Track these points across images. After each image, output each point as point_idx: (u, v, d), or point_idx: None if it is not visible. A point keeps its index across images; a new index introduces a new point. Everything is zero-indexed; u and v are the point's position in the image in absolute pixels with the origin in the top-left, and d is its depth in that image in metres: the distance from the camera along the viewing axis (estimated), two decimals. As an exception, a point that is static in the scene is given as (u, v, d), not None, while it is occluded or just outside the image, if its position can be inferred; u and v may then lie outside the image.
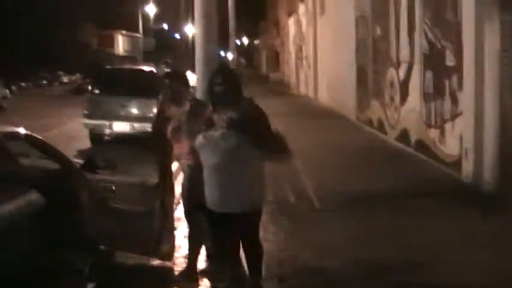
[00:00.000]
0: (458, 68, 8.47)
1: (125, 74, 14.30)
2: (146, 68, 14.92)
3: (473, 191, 7.76)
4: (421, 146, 10.27)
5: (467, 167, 8.16)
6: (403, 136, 11.33)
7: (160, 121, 5.41)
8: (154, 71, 14.43)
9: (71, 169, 5.66)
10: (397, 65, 11.68)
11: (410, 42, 10.80)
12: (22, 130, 5.51)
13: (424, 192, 7.85)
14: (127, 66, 15.85)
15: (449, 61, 8.84)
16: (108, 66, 15.46)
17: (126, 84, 13.16)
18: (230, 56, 34.67)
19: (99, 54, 60.61)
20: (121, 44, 69.63)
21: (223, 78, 4.46)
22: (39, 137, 5.59)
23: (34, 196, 4.90)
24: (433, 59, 9.62)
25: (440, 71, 9.22)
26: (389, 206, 7.24)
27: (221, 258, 4.80)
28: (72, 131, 15.71)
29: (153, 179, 5.53)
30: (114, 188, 5.63)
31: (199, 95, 7.44)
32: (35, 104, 30.93)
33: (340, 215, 7.02)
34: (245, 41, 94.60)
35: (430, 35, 9.68)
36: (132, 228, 5.50)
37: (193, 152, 5.03)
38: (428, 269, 5.17)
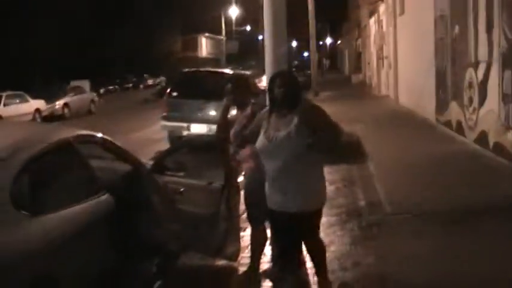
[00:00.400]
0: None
1: (203, 77, 14.60)
2: (224, 71, 15.17)
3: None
4: (499, 148, 9.95)
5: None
6: (482, 139, 11.01)
7: (224, 125, 5.53)
8: (230, 72, 14.65)
9: (141, 171, 5.87)
10: (476, 65, 11.36)
11: (488, 41, 10.48)
12: (94, 133, 5.77)
13: (503, 203, 7.42)
14: (205, 69, 16.15)
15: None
16: (186, 69, 15.78)
17: (204, 87, 13.44)
18: (312, 56, 34.58)
19: (183, 57, 61.95)
20: (204, 47, 70.93)
21: (283, 81, 4.52)
22: (112, 140, 5.82)
23: (105, 198, 5.11)
24: (511, 58, 9.30)
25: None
26: (461, 217, 6.94)
27: (283, 260, 4.89)
28: (153, 133, 16.21)
29: (219, 181, 5.67)
30: (182, 190, 5.79)
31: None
32: (121, 106, 32.03)
33: (412, 223, 6.88)
34: (328, 41, 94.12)
35: (508, 33, 9.37)
36: (198, 230, 5.65)
37: (255, 155, 5.13)
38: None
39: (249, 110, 5.27)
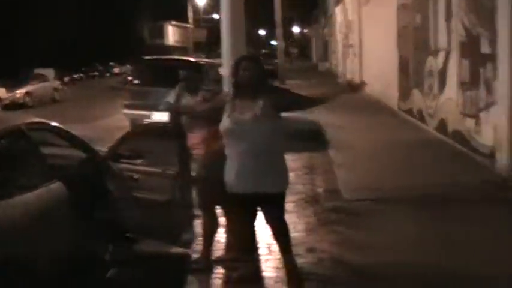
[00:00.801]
0: (493, 56, 8.28)
1: (165, 65, 14.45)
2: (186, 59, 15.05)
3: (506, 185, 7.48)
4: (458, 136, 10.08)
5: (501, 159, 7.98)
6: (441, 126, 11.14)
7: (176, 112, 5.50)
8: (193, 60, 14.54)
9: (96, 158, 5.81)
10: (436, 53, 11.48)
11: (447, 29, 10.59)
12: (47, 121, 5.69)
13: (454, 186, 7.56)
14: (167, 57, 16.01)
15: (485, 49, 8.64)
16: (148, 57, 15.62)
17: (166, 75, 13.27)
18: (278, 45, 34.56)
19: (150, 46, 61.36)
20: (171, 35, 70.25)
21: (248, 64, 4.57)
22: (65, 128, 5.75)
23: (57, 186, 5.04)
24: (469, 47, 9.42)
25: (476, 59, 9.03)
26: (417, 201, 7.04)
27: (241, 243, 4.91)
28: (117, 121, 16.02)
29: (174, 168, 5.64)
30: (136, 177, 5.75)
31: (226, 87, 7.55)
32: (86, 95, 31.64)
33: (368, 208, 6.93)
34: (297, 30, 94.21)
35: (466, 22, 9.48)
36: (153, 217, 5.61)
37: (208, 141, 5.12)
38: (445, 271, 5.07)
39: (200, 96, 5.27)
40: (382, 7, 18.20)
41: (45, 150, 5.83)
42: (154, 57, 15.68)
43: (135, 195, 5.72)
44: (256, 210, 4.77)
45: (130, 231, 5.78)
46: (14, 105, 25.20)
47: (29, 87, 26.95)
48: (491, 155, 8.36)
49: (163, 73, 13.45)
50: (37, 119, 5.73)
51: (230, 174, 4.58)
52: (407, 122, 13.91)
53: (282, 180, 4.67)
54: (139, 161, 6.02)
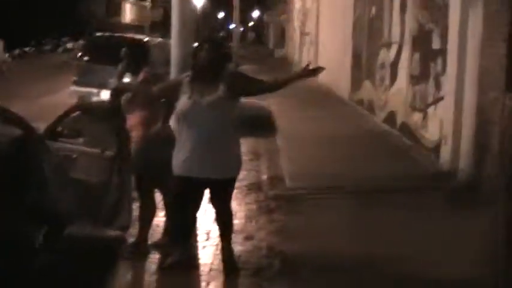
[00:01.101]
0: (443, 52, 8.31)
1: (116, 42, 14.13)
2: (137, 37, 14.77)
3: (449, 179, 7.53)
4: (405, 129, 10.14)
5: (445, 154, 8.04)
6: (390, 118, 11.20)
7: (118, 91, 5.33)
8: (145, 39, 14.27)
9: (31, 136, 5.58)
10: (388, 46, 11.51)
11: (401, 22, 10.62)
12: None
13: (399, 180, 7.57)
14: (118, 34, 15.68)
15: (435, 44, 8.68)
16: (98, 34, 15.28)
17: (116, 53, 12.98)
18: (235, 28, 34.31)
19: (106, 22, 60.30)
20: (128, 12, 69.22)
21: (210, 47, 4.47)
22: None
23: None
24: (420, 41, 9.46)
25: (427, 53, 9.07)
26: (360, 193, 7.05)
27: (182, 228, 4.82)
28: (64, 98, 15.63)
29: (112, 149, 5.47)
30: (74, 157, 5.57)
31: (174, 69, 7.40)
32: (35, 69, 30.82)
33: (309, 197, 6.91)
34: (256, 14, 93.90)
35: (419, 16, 9.51)
36: (89, 199, 5.44)
37: (145, 124, 4.99)
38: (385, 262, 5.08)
39: (141, 76, 5.13)
40: (339, -4, 18.20)
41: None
42: (105, 34, 15.35)
43: (71, 176, 5.54)
44: (202, 196, 4.70)
45: (64, 213, 5.61)
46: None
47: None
48: (436, 149, 8.42)
49: (114, 51, 13.16)
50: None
51: (181, 157, 4.50)
52: (357, 112, 13.94)
53: (235, 165, 4.64)
54: (78, 140, 5.84)
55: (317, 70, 4.64)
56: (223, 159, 4.47)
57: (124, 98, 5.18)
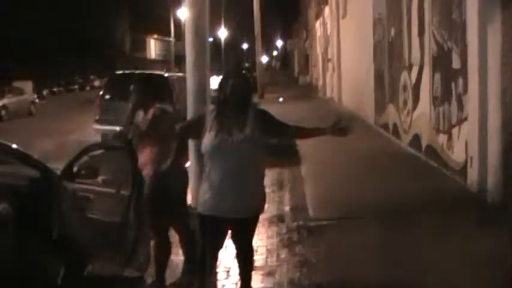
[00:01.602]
0: (463, 71, 8.14)
1: (135, 79, 14.21)
2: (156, 73, 14.84)
3: (477, 201, 7.30)
4: (431, 152, 9.93)
5: (472, 175, 7.82)
6: (415, 141, 11.00)
7: (128, 129, 5.28)
8: (166, 75, 14.35)
9: (49, 177, 5.57)
10: (409, 68, 11.36)
11: (420, 44, 10.48)
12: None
13: (426, 203, 7.35)
14: (138, 71, 15.79)
15: (456, 64, 8.51)
16: (118, 72, 15.41)
17: (138, 89, 13.05)
18: (257, 59, 34.44)
19: (131, 58, 61.20)
20: (153, 48, 70.22)
21: (237, 81, 4.28)
22: (15, 146, 5.52)
23: (2, 208, 4.81)
24: (440, 62, 9.29)
25: (448, 73, 8.89)
26: (386, 219, 6.80)
27: (202, 266, 4.70)
28: (88, 136, 15.75)
29: (128, 188, 5.40)
30: (91, 197, 5.53)
31: (190, 100, 7.36)
32: (63, 108, 31.34)
33: (333, 227, 6.73)
34: (279, 43, 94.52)
35: (438, 37, 9.36)
36: (107, 239, 5.38)
37: (156, 160, 4.92)
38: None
39: (150, 112, 5.06)
40: (359, 20, 18.16)
41: (1, 168, 5.65)
42: (126, 71, 15.47)
43: (88, 216, 5.49)
44: (226, 234, 4.53)
45: (83, 253, 5.56)
46: (-11, 120, 24.90)
47: (4, 101, 26.64)
48: (463, 171, 8.21)
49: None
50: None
51: (206, 195, 4.32)
52: (382, 137, 13.78)
53: (260, 204, 4.47)
54: (94, 180, 5.80)
55: (346, 130, 4.49)
56: (249, 198, 4.30)
57: (135, 135, 5.12)
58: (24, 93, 29.78)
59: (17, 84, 33.84)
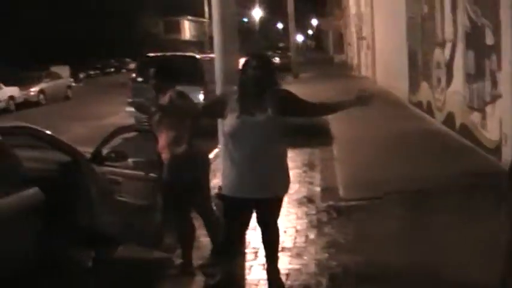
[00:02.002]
0: (497, 48, 7.96)
1: (168, 61, 14.25)
2: (190, 54, 14.86)
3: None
4: (464, 130, 9.77)
5: (507, 153, 7.67)
6: (449, 119, 10.82)
7: (152, 113, 5.31)
8: (197, 56, 14.36)
9: (79, 161, 5.66)
10: (442, 45, 11.15)
11: (453, 20, 10.26)
12: (27, 125, 5.55)
13: (459, 182, 7.25)
14: (169, 53, 15.81)
15: (489, 40, 8.31)
16: (150, 54, 15.46)
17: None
18: (291, 38, 34.22)
19: (165, 40, 61.36)
20: (187, 29, 70.23)
21: (259, 63, 4.27)
22: (45, 131, 5.60)
23: (33, 191, 4.90)
24: (474, 38, 9.09)
25: (481, 50, 8.70)
26: (420, 199, 6.77)
27: (229, 248, 4.72)
28: (122, 119, 15.89)
29: (156, 171, 5.45)
30: (120, 180, 5.60)
31: (218, 82, 7.35)
32: (98, 92, 31.66)
33: (363, 207, 6.68)
34: (314, 22, 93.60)
35: (471, 13, 9.15)
36: (135, 222, 5.45)
37: (174, 143, 4.93)
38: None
39: (167, 97, 5.03)
40: (392, -3, 17.87)
41: (33, 153, 5.75)
42: (157, 53, 15.51)
43: (117, 199, 5.57)
44: (250, 215, 4.55)
45: (112, 236, 5.65)
46: (27, 104, 25.29)
47: (42, 85, 27.04)
48: (497, 149, 8.06)
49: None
50: (15, 123, 5.61)
51: (229, 177, 4.35)
52: (416, 115, 13.60)
53: (283, 185, 4.46)
54: (125, 162, 5.87)
55: (369, 99, 4.43)
56: (271, 179, 4.30)
57: (154, 119, 5.15)
58: (61, 78, 30.17)
59: (54, 68, 34.28)
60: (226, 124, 4.31)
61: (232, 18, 7.40)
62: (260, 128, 4.20)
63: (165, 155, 5.07)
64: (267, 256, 4.69)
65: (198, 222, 5.46)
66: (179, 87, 13.14)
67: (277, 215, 4.60)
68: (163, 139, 5.07)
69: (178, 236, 5.30)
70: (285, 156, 4.49)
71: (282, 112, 4.25)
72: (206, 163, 5.36)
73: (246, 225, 4.60)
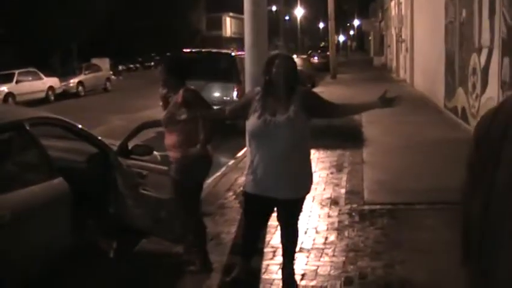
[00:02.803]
0: (532, 56, 7.84)
1: (203, 58, 14.38)
2: (225, 51, 14.94)
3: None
4: (497, 137, 9.61)
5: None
6: (482, 127, 10.66)
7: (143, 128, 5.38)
8: (232, 54, 14.44)
9: (106, 153, 5.77)
10: (479, 51, 11.00)
11: (490, 26, 10.12)
12: (55, 116, 5.66)
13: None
14: (204, 50, 15.93)
15: (525, 47, 8.19)
16: (186, 50, 15.60)
17: (204, 68, 13.26)
18: (330, 38, 34.08)
19: (207, 37, 61.75)
20: (229, 26, 70.52)
21: (282, 63, 4.31)
22: (74, 123, 5.70)
23: (58, 181, 4.99)
24: (510, 45, 8.95)
25: (517, 58, 8.58)
26: (445, 207, 6.62)
27: (246, 245, 4.78)
28: (156, 113, 16.05)
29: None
30: (144, 173, 5.67)
31: (248, 81, 7.39)
32: (137, 85, 32.01)
33: (386, 212, 6.64)
34: (356, 23, 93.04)
35: (508, 18, 9.02)
36: (159, 215, 5.53)
37: (185, 144, 4.94)
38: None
39: (179, 96, 4.99)
40: (432, 1, 17.67)
41: (63, 144, 5.88)
42: (193, 50, 15.65)
43: (142, 192, 5.65)
44: (270, 214, 4.62)
45: (136, 228, 5.74)
46: (66, 95, 25.76)
47: (81, 77, 27.53)
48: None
49: (200, 66, 13.46)
50: (43, 113, 5.72)
51: (251, 176, 4.40)
52: (450, 121, 13.45)
53: (304, 186, 4.46)
54: (151, 156, 5.96)
55: (394, 100, 4.38)
56: (292, 179, 4.31)
57: (164, 116, 5.17)
58: (101, 70, 30.64)
59: (95, 61, 34.84)
60: (248, 124, 4.36)
61: (263, 16, 7.41)
62: (281, 128, 4.21)
63: (174, 154, 5.04)
64: (283, 255, 4.74)
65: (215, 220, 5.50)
66: (215, 84, 13.22)
67: (297, 215, 4.62)
68: (173, 138, 5.02)
69: (195, 233, 5.33)
70: (307, 156, 4.50)
71: (305, 110, 4.26)
72: (208, 166, 5.32)
73: (264, 223, 4.66)
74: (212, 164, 5.33)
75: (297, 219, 4.65)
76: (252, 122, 4.31)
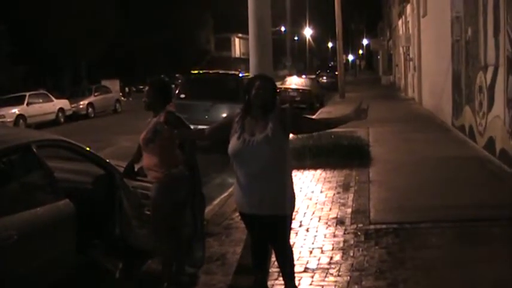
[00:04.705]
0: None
1: (210, 79, 14.53)
2: (232, 73, 15.08)
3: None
4: (504, 156, 9.62)
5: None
6: (489, 144, 10.67)
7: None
8: (240, 75, 14.57)
9: (112, 174, 5.82)
10: (485, 69, 11.02)
11: (495, 44, 10.15)
12: (61, 138, 5.72)
13: (494, 210, 7.14)
14: (212, 71, 16.09)
15: (530, 66, 8.21)
16: (194, 71, 15.77)
17: (211, 89, 13.40)
18: (338, 58, 34.19)
19: (216, 57, 62.05)
20: (237, 47, 70.87)
21: (261, 84, 4.41)
22: (79, 144, 5.76)
23: (63, 203, 5.04)
24: (515, 63, 8.99)
25: (522, 76, 8.59)
26: (453, 227, 6.67)
27: (256, 257, 4.79)
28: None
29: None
30: (149, 194, 5.71)
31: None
32: (146, 106, 32.11)
33: (392, 232, 6.61)
34: (365, 42, 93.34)
35: (512, 37, 9.06)
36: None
37: (167, 165, 5.00)
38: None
39: (161, 117, 5.08)
40: (438, 19, 17.73)
41: (69, 165, 5.94)
42: (201, 71, 15.82)
43: (147, 213, 5.69)
44: (267, 229, 4.61)
45: (141, 249, 5.77)
46: (77, 117, 25.95)
47: (91, 99, 27.73)
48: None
49: (206, 87, 13.59)
50: (50, 136, 5.78)
51: (236, 194, 4.53)
52: (458, 139, 13.43)
53: (285, 203, 4.48)
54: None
55: (365, 112, 4.43)
56: (271, 196, 4.36)
57: (143, 137, 5.25)
58: (111, 92, 30.86)
59: (105, 82, 35.09)
60: (230, 145, 4.44)
61: (268, 38, 7.50)
62: (259, 148, 4.30)
63: (155, 174, 5.12)
64: (282, 275, 4.77)
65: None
66: (222, 105, 13.32)
67: (283, 234, 4.60)
68: (153, 158, 5.11)
69: (172, 254, 5.33)
70: (287, 174, 4.53)
71: (282, 127, 4.36)
72: (184, 185, 5.37)
73: (263, 241, 4.64)
74: (188, 185, 5.37)
75: (284, 237, 4.63)
76: (232, 143, 4.41)
